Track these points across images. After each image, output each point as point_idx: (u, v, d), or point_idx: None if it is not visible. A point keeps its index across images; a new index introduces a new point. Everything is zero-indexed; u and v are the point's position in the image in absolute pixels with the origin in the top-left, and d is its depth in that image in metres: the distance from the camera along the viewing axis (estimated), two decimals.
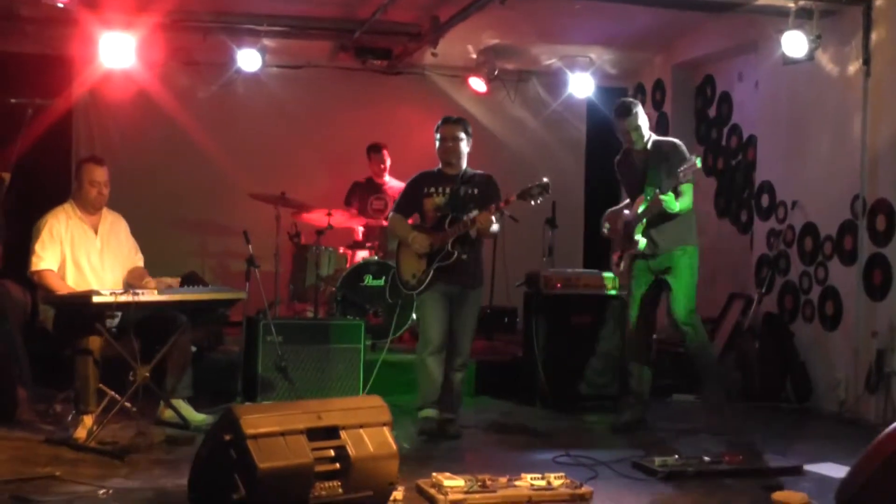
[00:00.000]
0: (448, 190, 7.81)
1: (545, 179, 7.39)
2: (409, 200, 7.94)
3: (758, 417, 8.84)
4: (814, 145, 9.47)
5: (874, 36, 8.74)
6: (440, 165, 7.91)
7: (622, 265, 8.15)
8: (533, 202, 7.45)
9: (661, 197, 7.61)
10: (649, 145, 8.09)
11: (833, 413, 8.97)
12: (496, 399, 9.29)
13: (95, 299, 6.70)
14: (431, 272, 7.68)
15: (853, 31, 8.90)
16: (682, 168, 7.53)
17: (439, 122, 7.92)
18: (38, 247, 7.35)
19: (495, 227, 7.57)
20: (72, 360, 7.13)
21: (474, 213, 7.52)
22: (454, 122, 7.93)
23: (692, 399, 9.27)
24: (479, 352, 10.34)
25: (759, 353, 9.54)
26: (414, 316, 9.29)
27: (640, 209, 7.88)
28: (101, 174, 7.61)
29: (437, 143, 7.87)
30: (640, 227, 7.91)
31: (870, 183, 8.77)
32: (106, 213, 7.75)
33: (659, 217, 7.85)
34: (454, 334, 7.82)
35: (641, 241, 7.92)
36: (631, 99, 8.48)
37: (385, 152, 10.81)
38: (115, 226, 7.80)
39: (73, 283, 7.36)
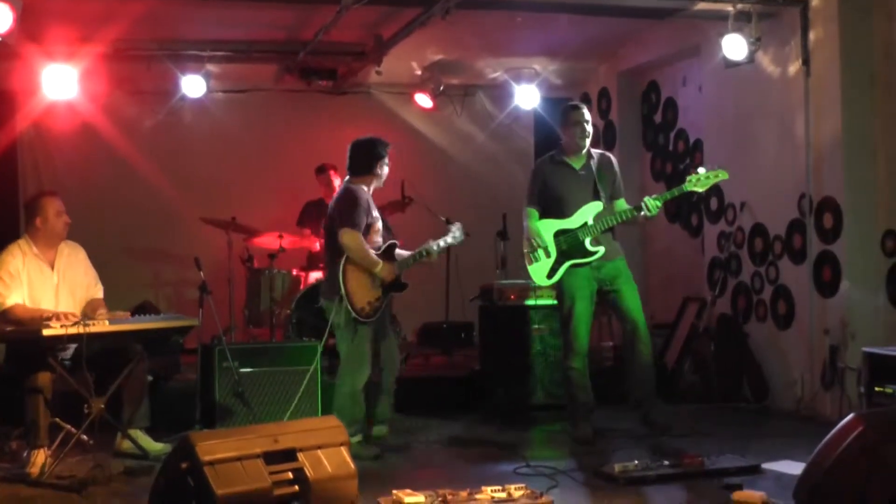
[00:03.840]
0: (380, 216, 7.93)
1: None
2: (365, 220, 7.68)
3: (716, 418, 8.89)
4: (759, 146, 9.56)
5: (812, 36, 8.84)
6: (372, 189, 7.88)
7: (556, 275, 8.04)
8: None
9: (651, 203, 7.74)
10: (593, 155, 8.13)
11: (790, 411, 9.03)
12: (455, 413, 9.27)
13: (45, 332, 6.66)
14: (385, 301, 7.75)
15: (791, 32, 9.00)
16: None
17: (384, 146, 7.91)
18: (0, 286, 7.30)
19: None
20: (21, 397, 7.06)
21: (423, 249, 7.78)
22: (388, 146, 7.99)
23: None
24: (438, 367, 10.38)
25: (716, 355, 9.60)
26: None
27: (590, 219, 7.91)
28: (61, 204, 7.60)
29: (384, 173, 7.92)
30: (591, 236, 7.92)
31: (815, 181, 8.86)
32: (62, 245, 7.70)
33: (606, 227, 7.94)
34: (387, 347, 7.96)
35: (600, 249, 7.94)
36: None
37: (332, 173, 10.78)
38: (72, 258, 7.74)
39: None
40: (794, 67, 9.06)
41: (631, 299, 8.08)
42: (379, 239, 7.80)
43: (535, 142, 13.34)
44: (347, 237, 7.54)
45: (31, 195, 8.01)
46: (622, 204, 8.09)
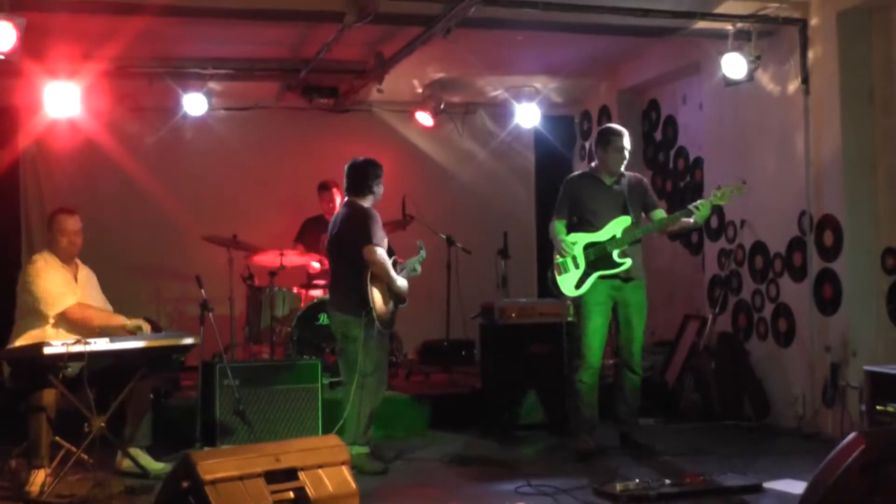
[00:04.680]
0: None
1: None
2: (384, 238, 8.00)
3: (717, 436, 8.89)
4: (759, 164, 9.57)
5: (811, 54, 8.88)
6: (373, 204, 8.02)
7: (583, 286, 8.13)
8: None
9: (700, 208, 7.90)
10: (625, 174, 8.23)
11: (792, 429, 9.03)
12: (456, 432, 9.24)
13: (46, 351, 6.67)
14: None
15: (791, 50, 9.04)
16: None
17: (379, 167, 8.08)
18: (50, 287, 7.42)
19: None
20: (24, 414, 7.08)
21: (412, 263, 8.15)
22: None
23: (651, 422, 9.28)
24: (438, 385, 10.36)
25: (716, 373, 9.60)
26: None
27: (619, 232, 8.02)
28: (72, 223, 7.66)
29: (380, 193, 8.06)
30: (619, 248, 8.03)
31: (816, 199, 8.88)
32: (80, 264, 7.82)
33: (634, 239, 8.08)
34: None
35: (627, 261, 8.03)
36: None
37: (334, 190, 10.80)
38: (90, 276, 7.89)
39: (66, 329, 7.36)
40: (793, 85, 9.08)
41: (636, 329, 8.21)
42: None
43: (535, 160, 13.37)
44: (375, 254, 7.69)
45: (51, 212, 8.06)
46: (661, 213, 8.24)
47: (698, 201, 7.97)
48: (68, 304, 7.41)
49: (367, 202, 7.91)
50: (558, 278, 8.20)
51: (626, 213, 8.10)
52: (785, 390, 9.23)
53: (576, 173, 8.54)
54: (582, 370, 8.15)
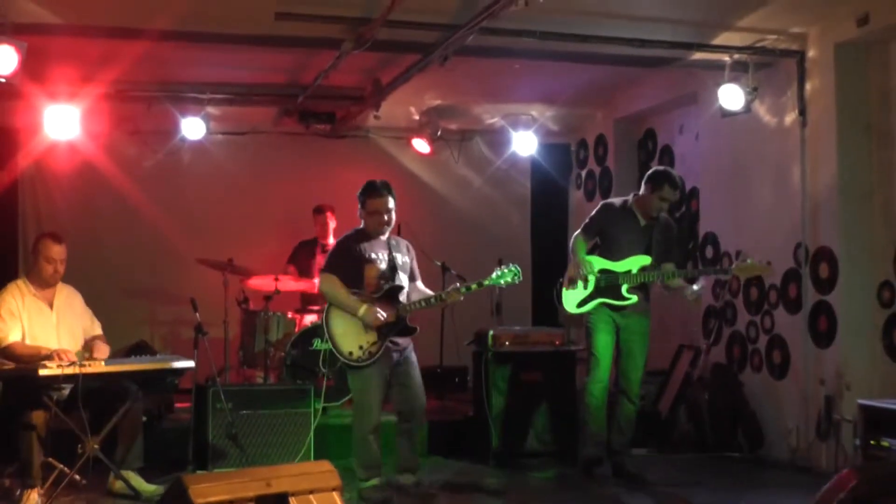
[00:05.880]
0: (386, 256, 7.66)
1: (513, 266, 7.64)
2: (351, 263, 7.59)
3: (710, 468, 8.88)
4: (755, 195, 9.59)
5: (808, 86, 8.91)
6: (368, 229, 7.67)
7: (584, 307, 8.20)
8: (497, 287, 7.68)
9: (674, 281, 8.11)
10: (659, 217, 8.30)
11: (785, 461, 9.01)
12: (449, 458, 9.24)
13: (42, 372, 6.71)
14: (384, 345, 7.49)
15: (788, 82, 9.07)
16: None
17: (367, 192, 7.65)
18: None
19: None
20: (15, 433, 7.08)
21: (445, 291, 7.72)
22: (384, 191, 7.64)
23: (644, 452, 9.27)
24: (431, 411, 10.29)
25: (710, 404, 9.59)
26: None
27: (635, 268, 8.14)
28: (58, 251, 7.67)
29: (367, 215, 7.63)
30: (630, 284, 8.12)
31: (811, 231, 8.89)
32: (60, 286, 7.81)
33: (646, 281, 8.18)
34: (406, 394, 7.67)
35: (633, 298, 8.12)
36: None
37: (329, 214, 10.83)
38: (69, 299, 7.86)
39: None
40: (790, 117, 9.11)
41: (637, 358, 8.30)
42: (379, 281, 7.62)
43: (531, 187, 13.40)
44: (320, 281, 7.68)
45: (37, 235, 8.05)
46: (671, 267, 8.29)
47: (696, 285, 8.12)
48: (7, 342, 7.38)
49: (362, 224, 7.74)
50: (564, 291, 8.33)
51: (648, 253, 8.17)
52: (779, 422, 9.22)
53: (616, 201, 8.55)
54: (592, 384, 8.25)
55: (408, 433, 7.72)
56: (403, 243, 7.90)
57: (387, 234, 7.72)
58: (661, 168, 8.56)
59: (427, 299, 7.65)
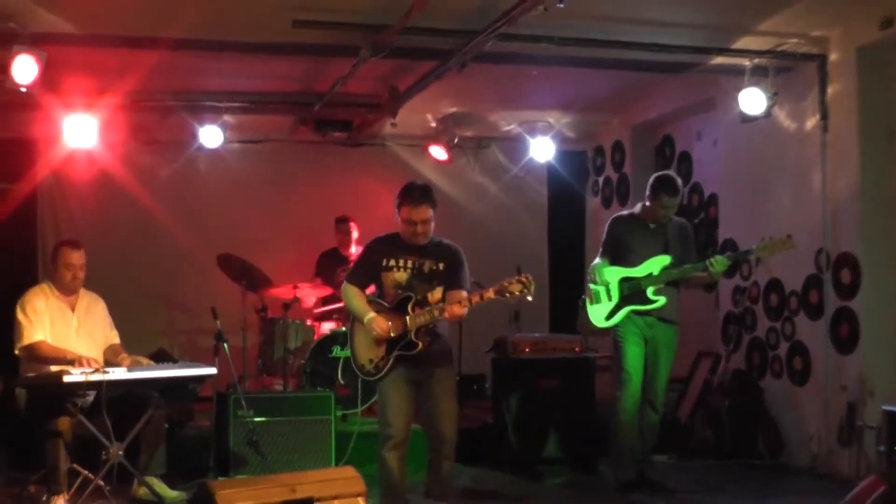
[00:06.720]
0: (411, 264, 6.95)
1: (528, 276, 6.89)
2: (367, 271, 7.09)
3: (731, 475, 8.84)
4: (775, 201, 9.55)
5: (830, 91, 8.86)
6: (402, 236, 7.03)
7: (614, 318, 8.12)
8: (511, 299, 6.89)
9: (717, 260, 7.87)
10: (672, 218, 8.23)
11: (806, 468, 8.95)
12: (467, 466, 9.17)
13: (66, 379, 6.75)
14: (391, 360, 6.87)
15: (809, 86, 9.02)
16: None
17: (402, 197, 6.95)
18: (25, 322, 7.44)
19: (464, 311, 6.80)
20: (42, 441, 7.11)
21: (442, 304, 6.80)
22: (420, 200, 6.91)
23: (664, 459, 9.23)
24: None
25: (730, 411, 9.54)
26: None
27: (656, 269, 8.01)
28: (76, 257, 7.71)
29: (401, 221, 6.95)
30: (654, 286, 8.01)
31: (832, 236, 8.85)
32: (83, 293, 7.86)
33: (671, 279, 8.05)
34: (431, 420, 6.94)
35: (661, 299, 8.01)
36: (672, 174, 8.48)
37: (352, 224, 10.85)
38: (91, 306, 7.91)
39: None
40: (811, 122, 9.06)
41: (662, 366, 8.15)
42: (396, 291, 6.96)
43: (548, 194, 13.38)
44: (342, 290, 7.22)
45: (55, 244, 8.10)
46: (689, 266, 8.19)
47: (713, 257, 7.94)
48: (34, 340, 7.42)
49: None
50: (589, 307, 8.23)
51: (666, 252, 8.09)
52: (799, 429, 9.17)
53: (624, 213, 8.53)
54: (623, 398, 8.09)
55: (433, 463, 7.06)
56: (447, 248, 7.11)
57: (424, 241, 7.02)
58: (659, 175, 8.32)
59: (430, 311, 6.79)
